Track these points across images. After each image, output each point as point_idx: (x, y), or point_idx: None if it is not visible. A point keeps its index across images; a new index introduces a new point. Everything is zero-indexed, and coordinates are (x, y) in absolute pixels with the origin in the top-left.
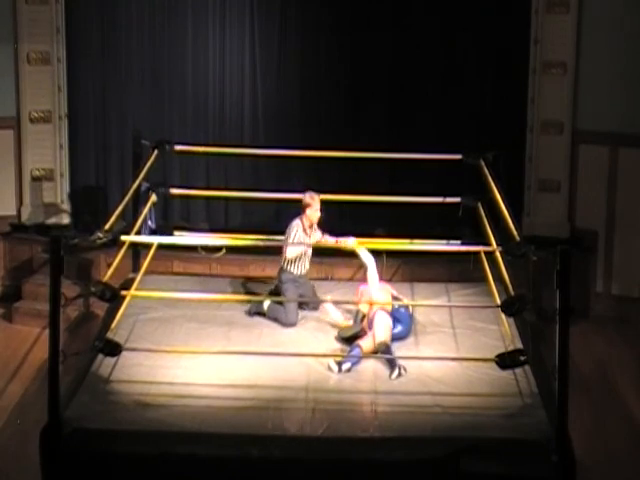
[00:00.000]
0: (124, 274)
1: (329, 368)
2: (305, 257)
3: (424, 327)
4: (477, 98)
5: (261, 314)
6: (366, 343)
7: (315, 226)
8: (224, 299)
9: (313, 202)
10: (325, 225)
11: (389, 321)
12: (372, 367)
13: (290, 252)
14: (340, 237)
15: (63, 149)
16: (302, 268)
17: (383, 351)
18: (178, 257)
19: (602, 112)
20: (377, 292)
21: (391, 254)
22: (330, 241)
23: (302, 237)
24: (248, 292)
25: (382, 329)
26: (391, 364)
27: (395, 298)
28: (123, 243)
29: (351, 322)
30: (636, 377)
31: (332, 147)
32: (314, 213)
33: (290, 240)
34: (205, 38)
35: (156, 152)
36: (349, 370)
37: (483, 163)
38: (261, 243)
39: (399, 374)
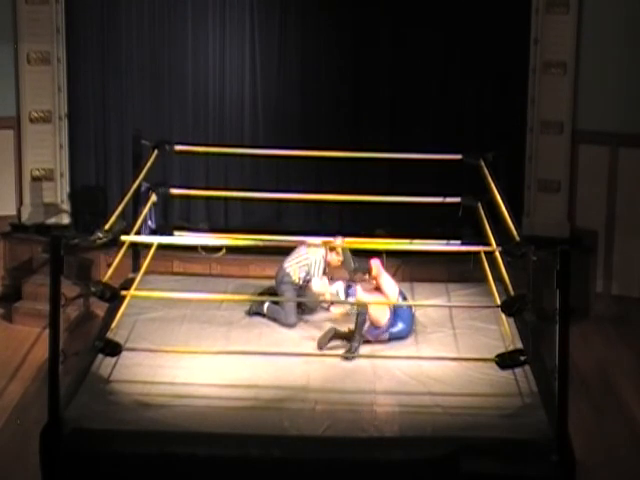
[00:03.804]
0: (124, 274)
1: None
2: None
3: (424, 327)
4: (477, 98)
5: (260, 314)
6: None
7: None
8: (224, 299)
9: (341, 251)
10: (325, 225)
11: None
12: (372, 367)
13: (316, 286)
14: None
15: (63, 149)
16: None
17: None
18: (178, 257)
19: (602, 112)
20: (388, 281)
21: (391, 254)
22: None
23: (321, 274)
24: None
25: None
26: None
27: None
28: (123, 243)
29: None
30: (636, 377)
31: (332, 147)
32: (335, 259)
33: (314, 274)
34: (205, 38)
35: (156, 152)
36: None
37: (483, 163)
38: (261, 243)
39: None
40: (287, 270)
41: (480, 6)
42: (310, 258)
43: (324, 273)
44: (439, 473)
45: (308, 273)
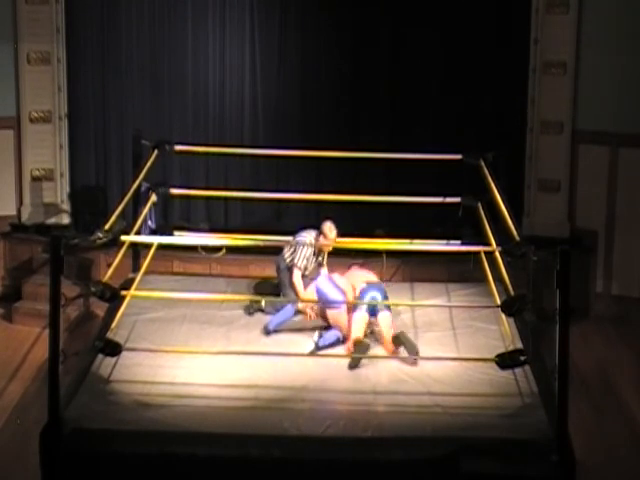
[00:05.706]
0: (124, 274)
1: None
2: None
3: (424, 327)
4: (477, 98)
5: (260, 310)
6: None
7: (323, 255)
8: (224, 299)
9: (329, 234)
10: None
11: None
12: (372, 367)
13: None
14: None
15: (63, 149)
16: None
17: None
18: (178, 257)
19: (602, 112)
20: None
21: (391, 254)
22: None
23: (310, 256)
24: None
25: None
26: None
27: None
28: (123, 243)
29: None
30: (636, 377)
31: (332, 147)
32: (325, 245)
33: (300, 254)
34: (205, 38)
35: (156, 152)
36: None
37: (483, 163)
38: (261, 243)
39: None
40: (286, 257)
41: (480, 6)
42: (299, 243)
43: (317, 257)
44: (439, 473)
45: (295, 251)
